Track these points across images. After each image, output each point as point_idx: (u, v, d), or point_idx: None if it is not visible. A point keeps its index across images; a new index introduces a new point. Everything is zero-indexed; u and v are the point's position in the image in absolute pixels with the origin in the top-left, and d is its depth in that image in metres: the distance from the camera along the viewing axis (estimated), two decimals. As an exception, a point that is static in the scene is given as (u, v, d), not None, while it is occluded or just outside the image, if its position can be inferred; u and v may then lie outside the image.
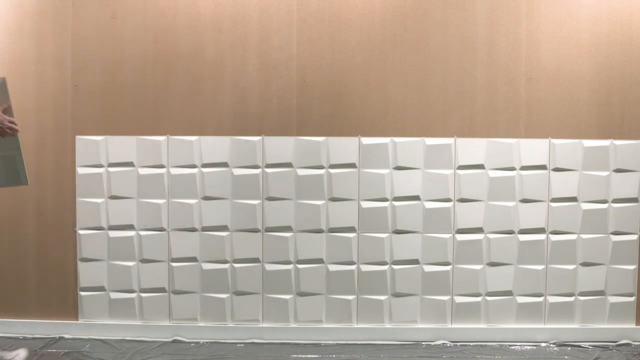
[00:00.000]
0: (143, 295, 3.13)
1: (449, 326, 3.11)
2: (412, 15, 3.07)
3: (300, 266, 3.10)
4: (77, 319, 3.15)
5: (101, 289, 3.13)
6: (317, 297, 3.12)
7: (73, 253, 3.12)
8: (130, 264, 3.12)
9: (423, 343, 3.08)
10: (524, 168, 3.07)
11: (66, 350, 2.96)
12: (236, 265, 3.12)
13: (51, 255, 3.13)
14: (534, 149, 3.06)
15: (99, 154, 3.10)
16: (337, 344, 3.07)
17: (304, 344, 3.06)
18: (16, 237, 3.13)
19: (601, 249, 3.09)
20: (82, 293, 3.14)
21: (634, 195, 3.07)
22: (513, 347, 3.03)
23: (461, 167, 3.08)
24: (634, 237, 3.09)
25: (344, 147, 3.07)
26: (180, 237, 3.11)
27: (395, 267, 3.10)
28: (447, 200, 3.08)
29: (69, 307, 3.14)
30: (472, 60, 3.07)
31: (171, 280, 3.12)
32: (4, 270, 3.15)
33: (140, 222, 3.11)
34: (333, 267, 3.10)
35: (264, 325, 3.13)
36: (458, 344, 3.07)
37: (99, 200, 3.11)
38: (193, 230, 3.11)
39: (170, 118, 3.10)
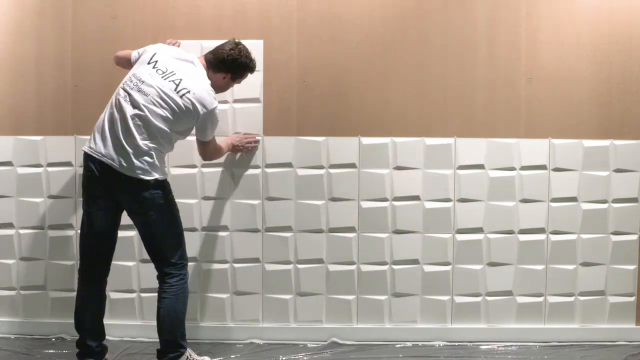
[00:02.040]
0: (143, 295, 3.13)
1: (449, 326, 3.11)
2: (412, 15, 3.07)
3: (300, 266, 3.10)
4: (77, 319, 3.15)
5: (101, 289, 3.13)
6: (317, 297, 3.11)
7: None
8: (130, 264, 3.12)
9: (423, 343, 3.08)
10: (524, 168, 3.07)
11: (66, 351, 2.96)
12: (236, 265, 3.12)
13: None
14: (534, 149, 3.06)
15: (99, 154, 3.10)
16: (337, 344, 3.06)
17: (304, 344, 3.06)
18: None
19: (601, 249, 3.08)
20: (82, 293, 3.14)
21: (634, 195, 3.07)
22: (513, 347, 3.03)
23: (461, 167, 3.08)
24: (634, 237, 3.09)
25: (344, 147, 3.07)
26: (180, 237, 3.10)
27: (395, 267, 3.10)
28: (447, 200, 3.08)
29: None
30: (472, 60, 3.07)
31: (171, 280, 3.12)
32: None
33: (140, 222, 3.11)
34: (333, 267, 3.10)
35: (264, 325, 3.13)
36: (458, 344, 3.07)
37: (99, 200, 3.11)
38: (193, 230, 3.10)
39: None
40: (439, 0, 3.06)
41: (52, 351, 2.95)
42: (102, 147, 2.49)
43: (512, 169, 3.07)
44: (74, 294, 3.11)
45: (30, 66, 3.11)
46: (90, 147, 2.53)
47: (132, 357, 2.90)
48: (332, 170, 3.07)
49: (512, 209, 3.07)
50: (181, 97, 2.52)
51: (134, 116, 2.48)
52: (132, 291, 3.13)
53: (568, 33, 3.06)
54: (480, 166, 3.07)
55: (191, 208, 3.09)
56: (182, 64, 2.61)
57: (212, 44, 3.06)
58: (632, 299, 3.11)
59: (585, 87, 3.06)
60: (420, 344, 3.07)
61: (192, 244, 3.10)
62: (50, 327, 3.13)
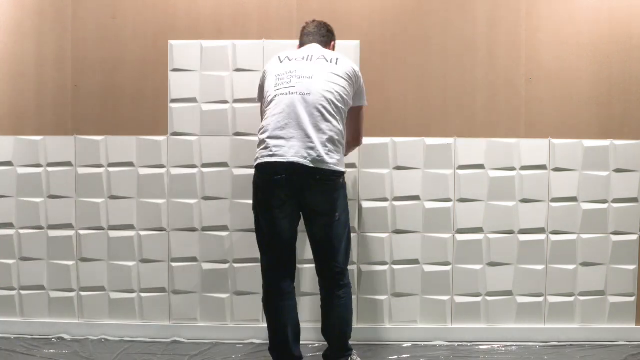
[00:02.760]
0: (143, 295, 3.13)
1: (449, 326, 3.11)
2: (412, 15, 3.07)
3: (300, 266, 3.10)
4: (77, 318, 3.15)
5: (101, 289, 3.13)
6: (317, 297, 3.10)
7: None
8: (130, 264, 3.12)
9: (423, 343, 3.08)
10: (524, 168, 3.07)
11: (66, 351, 2.96)
12: (236, 265, 3.12)
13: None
14: (534, 149, 3.06)
15: (99, 154, 3.10)
16: (337, 344, 3.06)
17: (304, 344, 3.06)
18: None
19: (601, 249, 3.08)
20: (82, 293, 3.14)
21: (634, 195, 3.07)
22: (513, 347, 3.03)
23: (461, 167, 3.08)
24: (634, 237, 3.09)
25: (344, 147, 3.07)
26: (180, 237, 3.11)
27: (395, 267, 3.10)
28: (447, 200, 3.08)
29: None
30: (472, 60, 3.07)
31: (171, 280, 3.12)
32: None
33: (140, 222, 3.11)
34: (333, 267, 3.09)
35: (264, 325, 3.11)
36: (458, 344, 3.07)
37: (99, 200, 3.11)
38: (193, 230, 3.10)
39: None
40: (439, 0, 3.06)
41: (52, 351, 2.95)
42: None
43: (512, 169, 3.07)
44: (74, 294, 3.14)
45: (30, 66, 3.11)
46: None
47: (132, 357, 2.90)
48: (332, 170, 3.07)
49: (512, 209, 3.07)
50: None
51: None
52: (132, 291, 3.13)
53: (568, 33, 3.06)
54: (480, 166, 3.07)
55: (191, 208, 3.09)
56: None
57: (212, 44, 3.07)
58: (632, 299, 3.11)
59: (585, 87, 3.06)
60: (420, 344, 3.07)
61: (192, 244, 3.11)
62: (50, 327, 3.13)
